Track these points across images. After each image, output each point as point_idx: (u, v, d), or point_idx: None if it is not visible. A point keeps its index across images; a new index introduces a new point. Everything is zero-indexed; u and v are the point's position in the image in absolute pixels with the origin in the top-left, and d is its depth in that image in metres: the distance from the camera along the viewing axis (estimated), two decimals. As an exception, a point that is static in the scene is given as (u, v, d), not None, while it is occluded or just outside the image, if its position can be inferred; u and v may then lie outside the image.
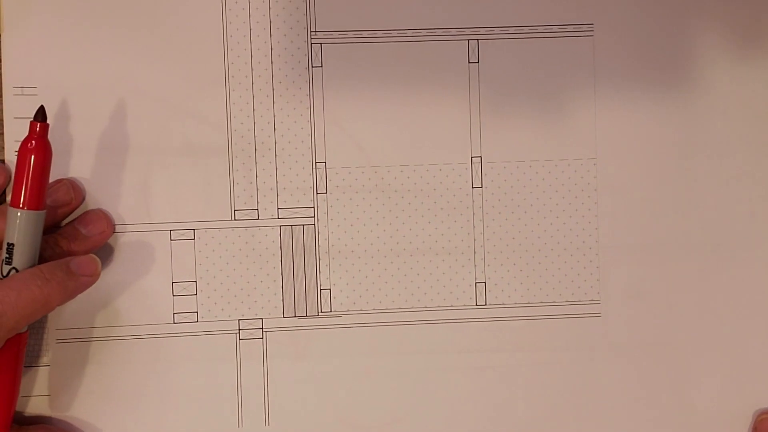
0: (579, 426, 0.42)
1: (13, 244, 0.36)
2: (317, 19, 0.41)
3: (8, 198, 0.40)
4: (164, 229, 0.41)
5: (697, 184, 0.43)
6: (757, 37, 0.43)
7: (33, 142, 0.36)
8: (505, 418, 0.42)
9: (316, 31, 0.41)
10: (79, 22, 0.40)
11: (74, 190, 0.40)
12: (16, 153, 0.36)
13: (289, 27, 0.41)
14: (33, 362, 0.40)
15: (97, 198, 0.40)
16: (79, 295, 0.38)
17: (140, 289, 0.41)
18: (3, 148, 0.40)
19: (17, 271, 0.36)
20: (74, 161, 0.40)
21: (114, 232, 0.40)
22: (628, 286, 0.42)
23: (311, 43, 0.41)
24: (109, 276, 0.40)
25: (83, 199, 0.40)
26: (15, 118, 0.40)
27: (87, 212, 0.40)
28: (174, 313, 0.41)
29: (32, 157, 0.36)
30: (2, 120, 0.40)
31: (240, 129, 0.41)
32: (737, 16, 0.42)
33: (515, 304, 0.42)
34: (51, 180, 0.38)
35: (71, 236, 0.39)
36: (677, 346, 0.43)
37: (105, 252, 0.40)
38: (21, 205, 0.36)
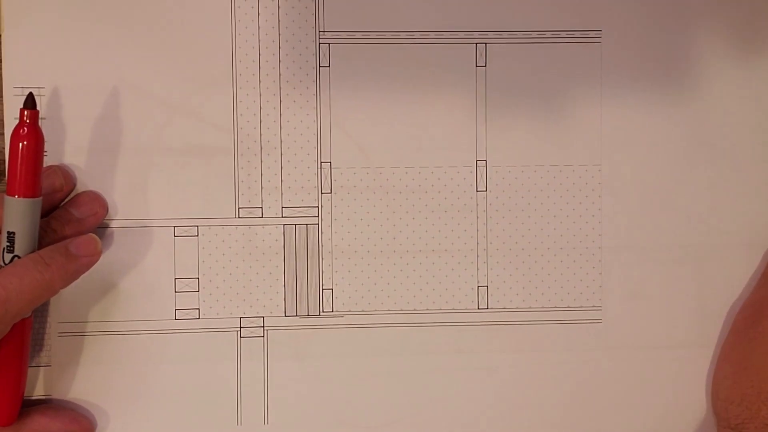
0: (579, 428, 0.42)
1: (14, 233, 0.36)
2: (326, 19, 0.41)
3: None
4: (168, 225, 0.41)
5: (702, 192, 0.43)
6: (766, 48, 0.43)
7: (25, 129, 0.36)
8: (505, 420, 0.42)
9: (324, 31, 0.41)
10: (82, 21, 0.40)
11: (65, 175, 0.39)
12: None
13: (298, 26, 0.41)
14: (35, 357, 0.40)
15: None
16: (82, 289, 0.38)
17: (142, 285, 0.41)
18: (3, 148, 0.40)
19: (19, 258, 0.36)
20: (78, 159, 0.40)
21: (107, 212, 0.40)
22: (630, 293, 0.42)
23: (319, 43, 0.41)
24: (112, 270, 0.40)
25: (74, 184, 0.40)
26: (15, 118, 0.40)
27: (78, 194, 0.40)
28: (176, 310, 0.41)
29: (26, 144, 0.36)
30: (2, 120, 0.40)
31: (246, 127, 0.41)
32: (747, 27, 0.42)
33: (517, 308, 0.42)
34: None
35: (64, 219, 0.39)
36: (678, 352, 0.43)
37: (108, 246, 0.40)
38: (18, 194, 0.36)
